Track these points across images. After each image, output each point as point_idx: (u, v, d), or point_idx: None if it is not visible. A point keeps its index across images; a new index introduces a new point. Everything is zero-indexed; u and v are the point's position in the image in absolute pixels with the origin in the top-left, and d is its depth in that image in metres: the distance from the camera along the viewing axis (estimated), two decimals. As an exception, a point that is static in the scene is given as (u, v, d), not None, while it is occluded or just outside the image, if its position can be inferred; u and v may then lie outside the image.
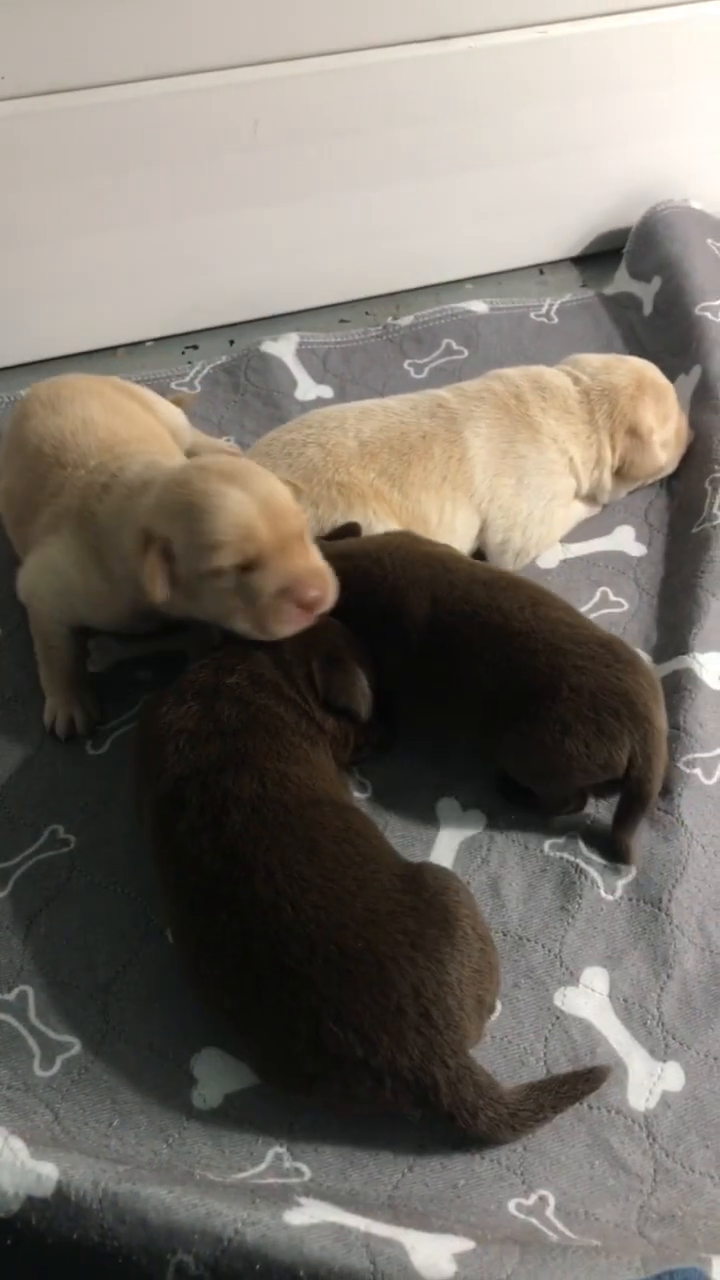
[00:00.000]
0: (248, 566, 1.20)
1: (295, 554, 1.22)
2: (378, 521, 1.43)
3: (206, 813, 1.11)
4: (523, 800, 1.30)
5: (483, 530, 1.52)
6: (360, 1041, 1.01)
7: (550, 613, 1.27)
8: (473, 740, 1.31)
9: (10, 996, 1.16)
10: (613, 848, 1.27)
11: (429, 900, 1.07)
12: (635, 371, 1.59)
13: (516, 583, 1.32)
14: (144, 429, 1.43)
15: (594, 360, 1.61)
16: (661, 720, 1.24)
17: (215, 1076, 1.11)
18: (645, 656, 1.32)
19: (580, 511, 1.60)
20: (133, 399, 1.49)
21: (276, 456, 1.45)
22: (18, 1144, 0.97)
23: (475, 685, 1.25)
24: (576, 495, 1.58)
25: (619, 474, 1.58)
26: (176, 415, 1.56)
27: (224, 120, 1.68)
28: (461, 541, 1.50)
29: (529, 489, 1.52)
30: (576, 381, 1.57)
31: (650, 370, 1.61)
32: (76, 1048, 1.13)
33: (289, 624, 1.22)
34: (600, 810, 1.31)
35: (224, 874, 1.08)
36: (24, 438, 1.41)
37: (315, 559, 1.23)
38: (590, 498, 1.60)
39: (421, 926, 1.05)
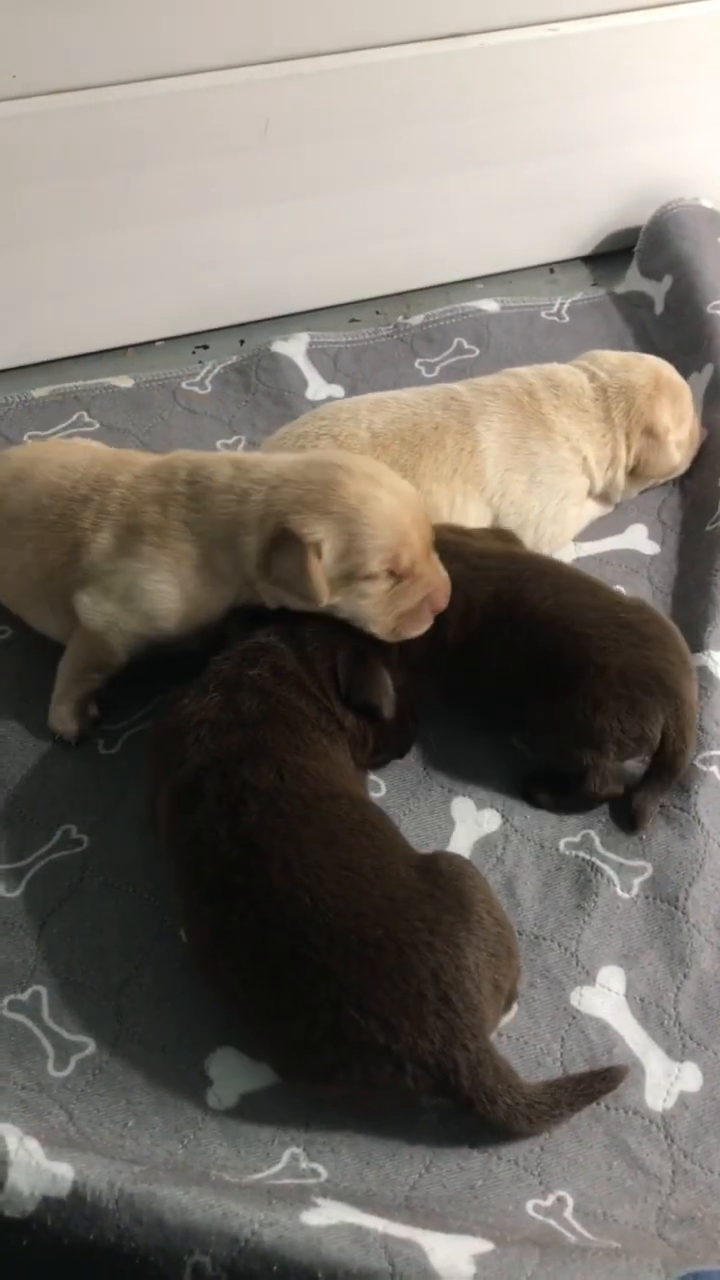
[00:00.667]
0: (399, 572, 1.22)
1: (434, 561, 1.26)
2: None
3: (224, 803, 1.11)
4: (551, 800, 1.31)
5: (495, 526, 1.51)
6: (381, 1028, 1.01)
7: (573, 598, 1.30)
8: (500, 730, 1.34)
9: (24, 997, 1.16)
10: (628, 811, 1.28)
11: (444, 886, 1.07)
12: (653, 370, 1.58)
13: (540, 571, 1.34)
14: (118, 453, 1.41)
15: (611, 358, 1.60)
16: (692, 693, 1.29)
17: (230, 1077, 1.11)
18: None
19: (593, 510, 1.60)
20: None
21: (290, 449, 1.44)
22: (33, 1145, 0.96)
23: (507, 675, 1.29)
24: (590, 494, 1.57)
25: (633, 473, 1.58)
26: None
27: (235, 119, 1.68)
28: None
29: (541, 486, 1.51)
30: (593, 378, 1.57)
31: (667, 369, 1.60)
32: (91, 1048, 1.13)
33: (422, 627, 1.25)
34: (618, 805, 1.30)
35: (241, 863, 1.08)
36: (13, 512, 1.36)
37: (440, 566, 1.26)
38: (603, 496, 1.59)
39: (438, 912, 1.05)
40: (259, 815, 1.09)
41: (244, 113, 1.68)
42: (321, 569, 1.19)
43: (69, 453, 1.41)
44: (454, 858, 1.13)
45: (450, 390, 1.54)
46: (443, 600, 1.25)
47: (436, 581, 1.25)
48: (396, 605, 1.23)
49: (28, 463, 1.40)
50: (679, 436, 1.59)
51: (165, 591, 1.27)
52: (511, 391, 1.54)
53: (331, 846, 1.08)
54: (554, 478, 1.52)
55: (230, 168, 1.72)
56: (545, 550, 1.54)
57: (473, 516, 1.48)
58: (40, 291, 1.75)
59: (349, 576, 1.21)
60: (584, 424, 1.54)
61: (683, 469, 1.63)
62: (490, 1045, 1.04)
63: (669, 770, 1.28)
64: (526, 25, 1.74)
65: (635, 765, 1.30)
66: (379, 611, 1.23)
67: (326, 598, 1.20)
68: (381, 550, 1.20)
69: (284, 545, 1.20)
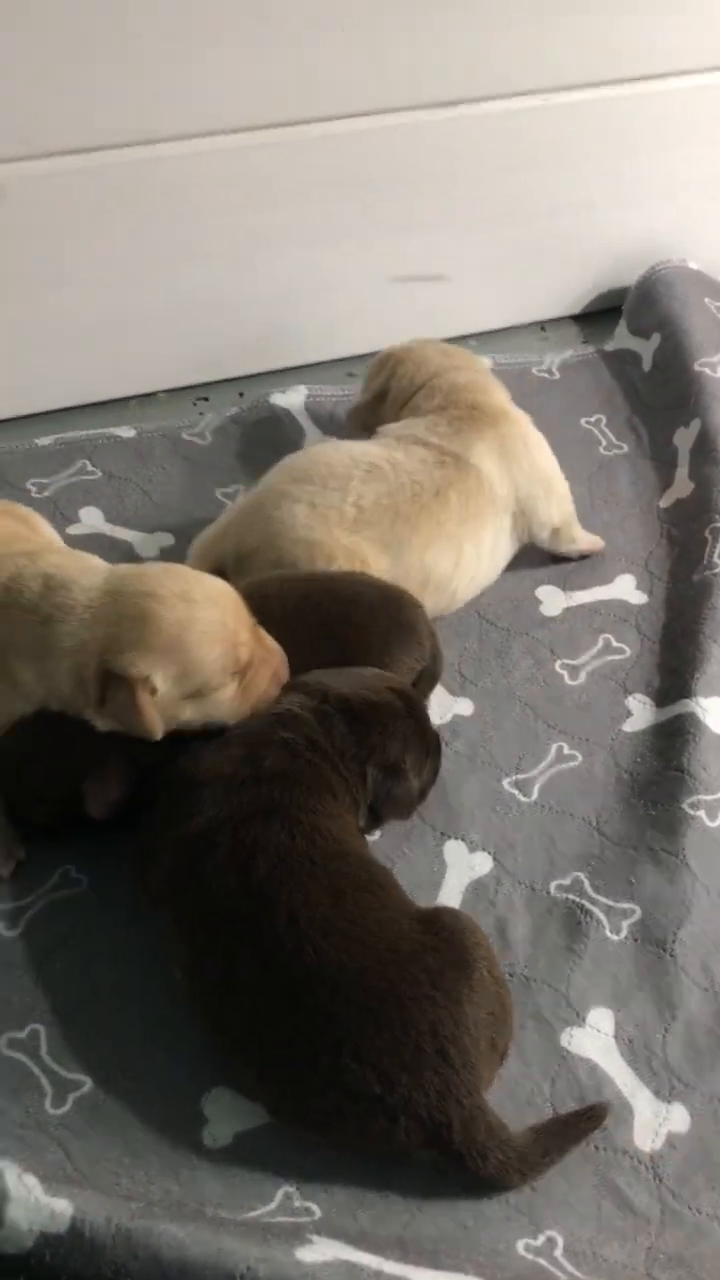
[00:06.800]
0: (241, 670, 1.22)
1: (262, 637, 1.25)
2: None
3: (235, 857, 1.12)
4: None
5: (531, 527, 1.58)
6: (378, 1078, 1.02)
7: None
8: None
9: (22, 1035, 1.17)
10: None
11: (447, 940, 1.09)
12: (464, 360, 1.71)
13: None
14: (5, 533, 1.38)
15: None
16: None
17: (226, 1115, 1.12)
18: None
19: None
20: (7, 516, 1.45)
21: (267, 501, 1.47)
22: (31, 1180, 0.97)
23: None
24: None
25: None
26: (55, 534, 1.53)
27: (238, 177, 1.73)
28: (494, 567, 1.57)
29: (542, 452, 1.60)
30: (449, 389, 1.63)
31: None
32: (88, 1085, 1.14)
33: (273, 697, 1.25)
34: (607, 851, 1.33)
35: (247, 915, 1.09)
36: None
37: (268, 636, 1.26)
38: None
39: (441, 965, 1.07)
40: (269, 871, 1.11)
41: (246, 172, 1.73)
42: (153, 703, 1.18)
43: None
44: (456, 913, 1.15)
45: (427, 443, 1.54)
46: (285, 669, 1.26)
47: (274, 658, 1.25)
48: (249, 696, 1.23)
49: None
50: None
51: None
52: (460, 408, 1.58)
53: (338, 902, 1.09)
54: (537, 438, 1.61)
55: (232, 223, 1.78)
56: (570, 507, 1.62)
57: (491, 550, 1.54)
58: (45, 342, 1.79)
59: (195, 695, 1.21)
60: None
61: None
62: (484, 1102, 1.05)
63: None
64: (521, 94, 1.80)
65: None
66: (234, 710, 1.24)
67: (161, 731, 1.18)
68: (219, 664, 1.19)
69: (112, 683, 1.18)
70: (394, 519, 1.46)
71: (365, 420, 1.71)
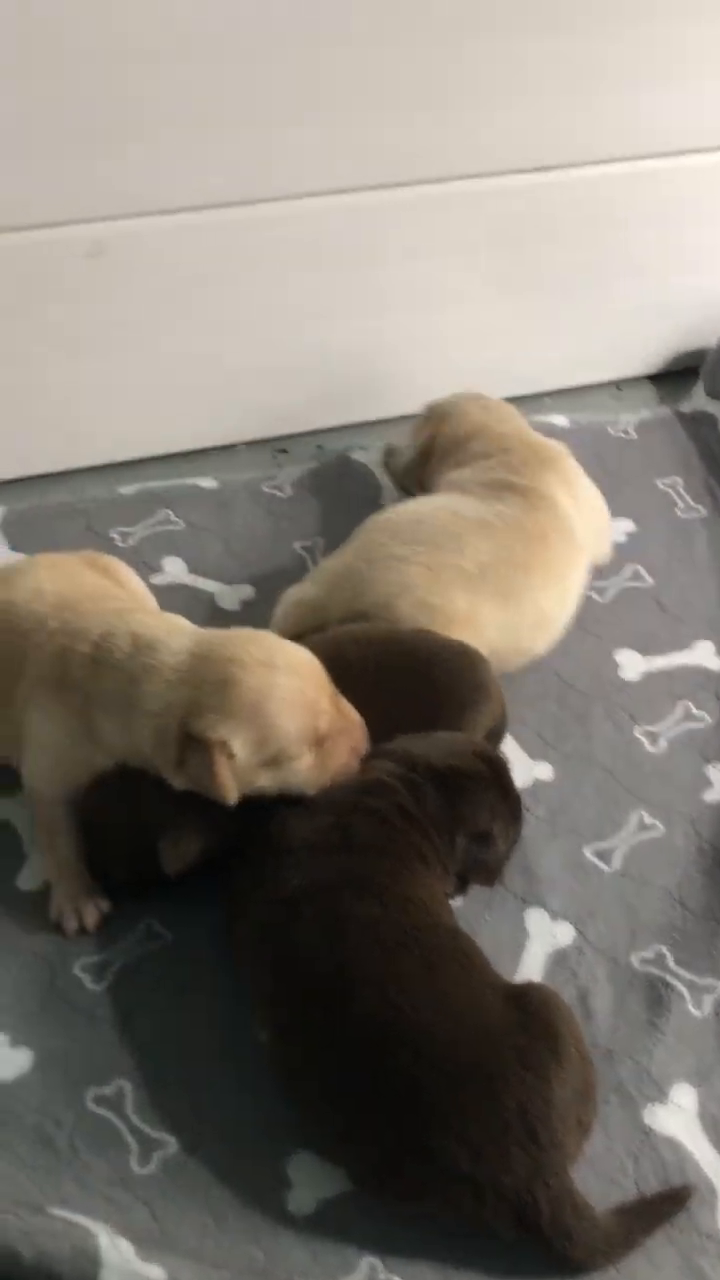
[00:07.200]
0: (320, 739, 1.22)
1: (343, 707, 1.25)
2: None
3: (323, 928, 1.13)
4: None
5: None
6: (466, 1156, 1.02)
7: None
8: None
9: (108, 1091, 1.18)
10: None
11: (535, 1016, 1.09)
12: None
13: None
14: (95, 589, 1.41)
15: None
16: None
17: (310, 1181, 1.12)
18: None
19: None
20: (93, 568, 1.47)
21: (376, 563, 1.47)
22: (124, 1244, 0.98)
23: None
24: None
25: None
26: (141, 584, 1.55)
27: (325, 238, 1.76)
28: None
29: (594, 488, 1.65)
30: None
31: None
32: (173, 1145, 1.14)
33: (353, 769, 1.25)
34: (690, 924, 1.32)
35: (336, 985, 1.10)
36: None
37: (349, 706, 1.26)
38: None
39: (530, 1043, 1.07)
40: (359, 941, 1.11)
41: (332, 233, 1.76)
42: (230, 769, 1.18)
43: (46, 579, 1.38)
44: (544, 989, 1.15)
45: (508, 486, 1.55)
46: (364, 741, 1.26)
47: (354, 730, 1.25)
48: (327, 767, 1.23)
49: (19, 571, 1.41)
50: None
51: (65, 746, 1.27)
52: (522, 451, 1.62)
53: (429, 975, 1.10)
54: (594, 490, 1.66)
55: (314, 283, 1.80)
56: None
57: (576, 588, 1.56)
58: (132, 393, 1.82)
59: (272, 762, 1.21)
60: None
61: None
62: (571, 1183, 1.05)
63: None
64: (610, 161, 1.83)
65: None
66: (311, 779, 1.23)
67: (235, 797, 1.19)
68: (297, 733, 1.19)
69: (192, 746, 1.19)
70: (512, 569, 1.47)
71: (415, 477, 1.74)
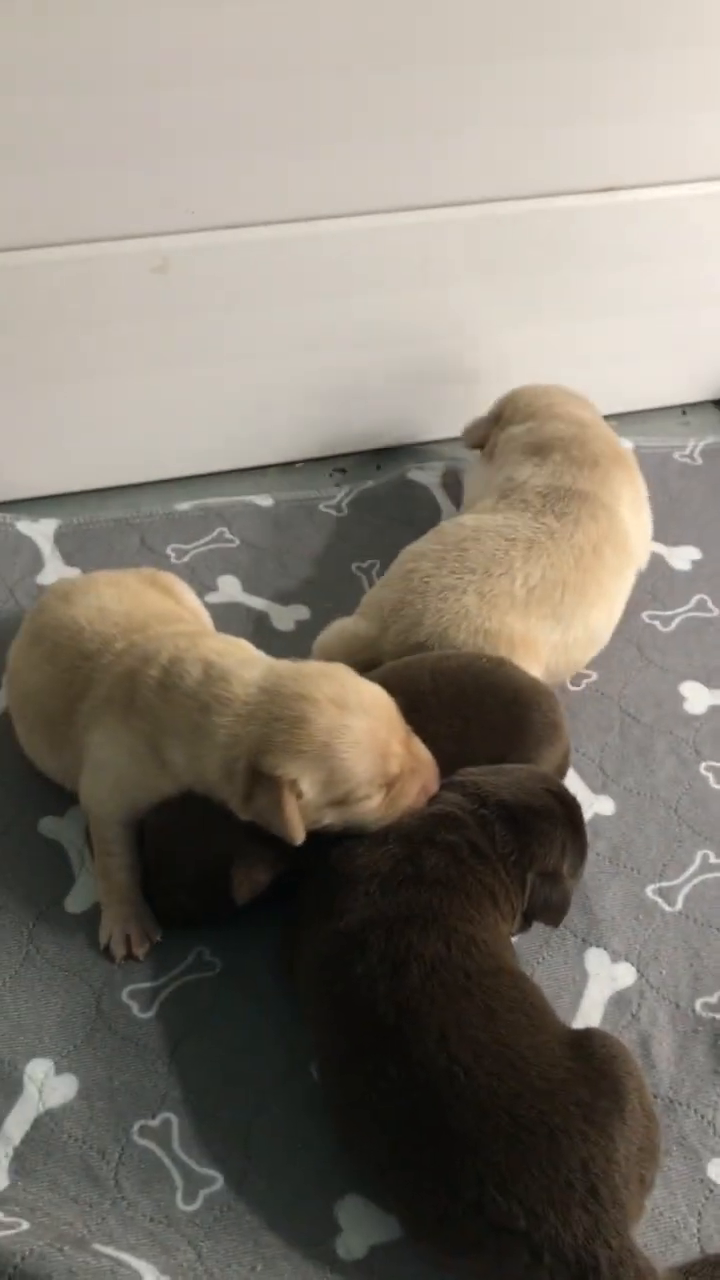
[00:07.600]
0: (389, 781, 1.19)
1: (415, 746, 1.22)
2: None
3: (386, 963, 1.09)
4: None
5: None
6: (525, 1213, 0.98)
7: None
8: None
9: (154, 1123, 1.15)
10: None
11: (598, 1068, 1.05)
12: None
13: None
14: (160, 609, 1.39)
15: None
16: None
17: (359, 1225, 1.09)
18: None
19: None
20: (153, 586, 1.46)
21: (429, 594, 1.43)
22: (170, 1286, 0.95)
23: None
24: None
25: None
26: (197, 601, 1.53)
27: (389, 256, 1.74)
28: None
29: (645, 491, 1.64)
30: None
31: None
32: (219, 1183, 1.11)
33: (419, 807, 1.21)
34: None
35: (396, 1028, 1.06)
36: (39, 632, 1.37)
37: (421, 746, 1.22)
38: None
39: (594, 1098, 1.02)
40: (421, 982, 1.07)
41: (397, 251, 1.74)
42: (297, 807, 1.15)
43: (110, 598, 1.38)
44: (607, 1038, 1.10)
45: (578, 494, 1.52)
46: (435, 782, 1.22)
47: (425, 770, 1.21)
48: (396, 806, 1.20)
49: (79, 589, 1.40)
50: None
51: (126, 768, 1.25)
52: (587, 446, 1.60)
53: (490, 1022, 1.06)
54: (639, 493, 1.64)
55: (377, 302, 1.78)
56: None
57: (622, 601, 1.55)
58: (191, 409, 1.81)
59: (341, 802, 1.17)
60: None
61: None
62: (633, 1244, 1.00)
63: None
64: (682, 182, 1.79)
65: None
66: (379, 818, 1.20)
67: (302, 836, 1.16)
68: (367, 775, 1.16)
69: (260, 782, 1.16)
70: (563, 591, 1.45)
71: (479, 437, 1.74)
